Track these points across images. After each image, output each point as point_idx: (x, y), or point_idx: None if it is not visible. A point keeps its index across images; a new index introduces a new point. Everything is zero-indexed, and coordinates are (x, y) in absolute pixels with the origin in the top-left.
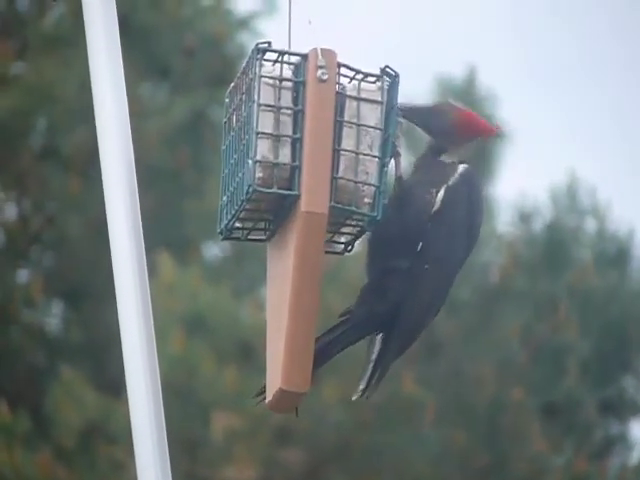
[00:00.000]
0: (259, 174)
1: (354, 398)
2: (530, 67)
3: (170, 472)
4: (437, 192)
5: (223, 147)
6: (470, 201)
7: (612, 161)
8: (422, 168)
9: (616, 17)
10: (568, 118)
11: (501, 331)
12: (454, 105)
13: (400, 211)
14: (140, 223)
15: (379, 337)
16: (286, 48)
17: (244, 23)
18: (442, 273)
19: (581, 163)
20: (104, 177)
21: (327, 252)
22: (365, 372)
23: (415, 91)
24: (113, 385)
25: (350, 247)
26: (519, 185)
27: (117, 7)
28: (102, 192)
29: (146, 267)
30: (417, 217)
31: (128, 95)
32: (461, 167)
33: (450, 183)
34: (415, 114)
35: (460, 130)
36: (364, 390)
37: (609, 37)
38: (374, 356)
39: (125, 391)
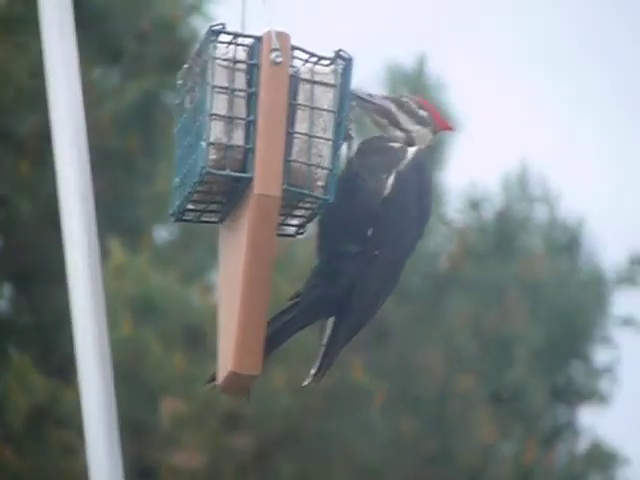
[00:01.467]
0: (212, 156)
1: (305, 383)
2: (481, 54)
3: (120, 457)
4: (387, 177)
5: (176, 129)
6: (420, 186)
7: (564, 149)
8: (370, 152)
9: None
10: (520, 106)
11: (450, 319)
12: (417, 97)
13: (351, 195)
14: (93, 207)
15: (330, 321)
16: (240, 31)
17: (197, 7)
18: (393, 258)
19: (532, 151)
20: (57, 161)
21: (279, 235)
22: (317, 357)
23: (365, 77)
24: (63, 369)
25: (302, 230)
26: (470, 173)
27: None
28: (54, 176)
29: (98, 251)
30: (368, 202)
31: (81, 79)
32: (411, 151)
33: (401, 168)
34: (381, 109)
35: (435, 120)
36: (315, 375)
37: (560, 22)
38: (325, 341)
39: (75, 375)
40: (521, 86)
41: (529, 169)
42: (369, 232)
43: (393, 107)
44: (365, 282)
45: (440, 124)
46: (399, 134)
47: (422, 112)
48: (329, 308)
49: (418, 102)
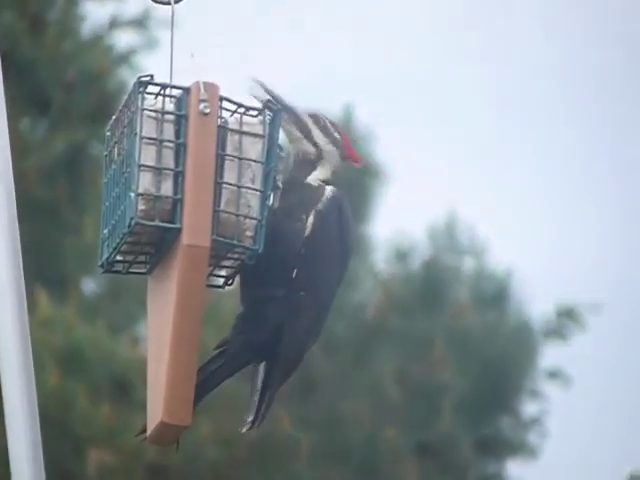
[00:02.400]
0: (141, 207)
1: (244, 430)
2: (408, 105)
3: None
4: (307, 217)
5: (105, 180)
6: (340, 224)
7: (491, 200)
8: (290, 192)
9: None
10: (445, 157)
11: (376, 370)
12: (334, 121)
13: (272, 238)
14: (20, 258)
15: (262, 366)
16: (168, 82)
17: (125, 58)
18: (318, 298)
19: (460, 202)
20: None
21: (207, 286)
22: (252, 403)
23: None
24: None
25: (231, 281)
26: (396, 224)
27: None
28: None
29: (25, 302)
30: (289, 244)
31: (10, 129)
32: (328, 190)
33: (319, 207)
34: (298, 121)
35: (345, 147)
36: (253, 421)
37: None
38: (259, 385)
39: (2, 424)
40: (446, 137)
41: (456, 220)
42: (293, 274)
43: (310, 121)
44: (294, 323)
45: (349, 153)
46: (310, 149)
47: (336, 134)
48: (257, 353)
49: (334, 125)
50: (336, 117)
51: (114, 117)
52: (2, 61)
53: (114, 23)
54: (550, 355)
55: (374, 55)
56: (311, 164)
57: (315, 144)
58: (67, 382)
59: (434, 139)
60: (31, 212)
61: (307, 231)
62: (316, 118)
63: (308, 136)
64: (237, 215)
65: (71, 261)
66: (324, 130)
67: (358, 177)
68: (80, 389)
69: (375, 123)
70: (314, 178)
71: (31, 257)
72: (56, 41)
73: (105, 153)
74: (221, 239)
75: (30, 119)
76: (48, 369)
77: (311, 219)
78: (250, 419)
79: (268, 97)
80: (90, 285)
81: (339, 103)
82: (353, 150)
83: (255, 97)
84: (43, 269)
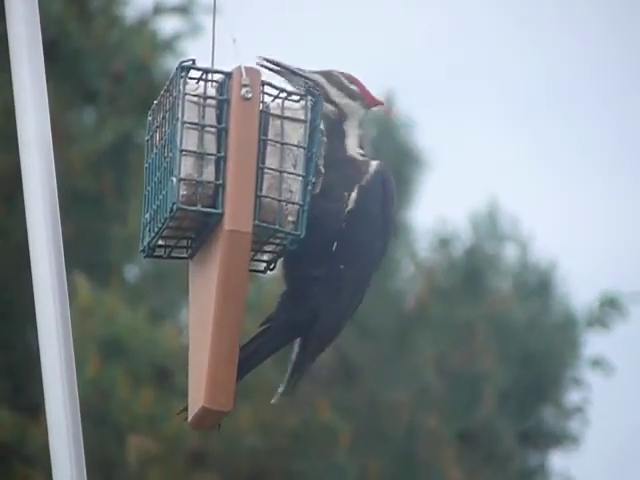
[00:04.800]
0: (183, 192)
1: (273, 401)
2: (451, 91)
3: None
4: (349, 194)
5: (146, 165)
6: (384, 199)
7: (534, 189)
8: (331, 169)
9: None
10: (491, 145)
11: (417, 358)
12: (347, 73)
13: (313, 220)
14: (61, 247)
15: (297, 341)
16: (210, 67)
17: (169, 45)
18: (358, 272)
19: (503, 191)
20: (27, 202)
21: (249, 271)
22: (287, 375)
23: None
24: (31, 406)
25: (273, 265)
26: (439, 211)
27: (46, 32)
28: (25, 216)
29: (67, 291)
30: (330, 222)
31: (57, 120)
32: (374, 165)
33: (363, 183)
34: (309, 82)
35: (365, 96)
36: (284, 393)
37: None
38: (293, 357)
39: (42, 412)
40: (491, 124)
41: (499, 207)
42: (333, 247)
43: (323, 80)
44: (332, 297)
45: (370, 100)
46: (330, 108)
47: (352, 86)
48: (298, 331)
49: (348, 77)
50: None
51: (156, 102)
52: (49, 50)
53: (158, 9)
54: (593, 344)
55: (420, 40)
56: (339, 127)
57: (333, 103)
58: (107, 370)
59: (479, 125)
60: (77, 202)
61: (349, 206)
62: (329, 76)
63: (324, 96)
64: (279, 200)
65: (115, 249)
66: (339, 86)
67: (399, 164)
68: (120, 376)
69: (418, 109)
70: (353, 148)
71: (76, 246)
72: (103, 30)
73: (147, 138)
74: (263, 224)
75: (77, 109)
76: (88, 357)
77: (354, 195)
78: (281, 390)
79: (276, 67)
80: (133, 272)
81: (381, 88)
82: (373, 96)
83: (266, 67)
84: (88, 258)
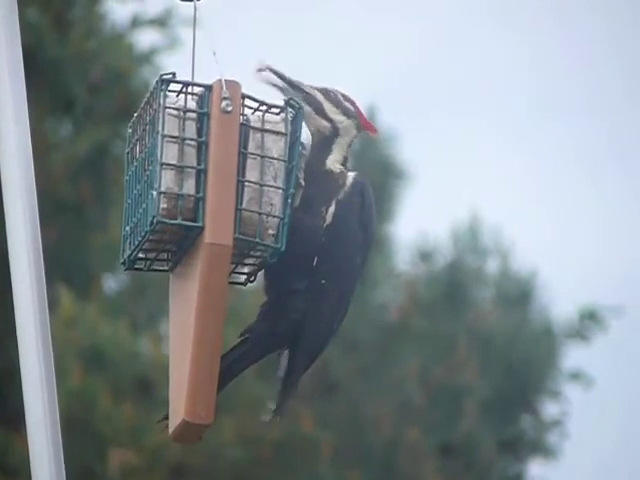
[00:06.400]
0: (163, 205)
1: (267, 419)
2: (431, 104)
3: None
4: (327, 208)
5: (126, 178)
6: (362, 210)
7: (516, 200)
8: (310, 182)
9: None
10: (471, 157)
11: (399, 371)
12: (343, 91)
13: (293, 234)
14: (41, 257)
15: (285, 354)
16: (190, 80)
17: (147, 57)
18: (340, 285)
19: (484, 203)
20: (6, 211)
21: (230, 283)
22: (275, 392)
23: None
24: (13, 418)
25: (253, 278)
26: (420, 225)
27: (23, 40)
28: (4, 226)
29: (47, 301)
30: (310, 236)
31: (34, 129)
32: (350, 177)
33: (341, 196)
34: (308, 96)
35: (359, 117)
36: (276, 410)
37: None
38: (282, 373)
39: (25, 425)
40: (471, 138)
41: (480, 221)
42: (314, 262)
43: (319, 95)
44: (316, 312)
45: (364, 123)
46: (324, 123)
47: (347, 104)
48: (278, 342)
49: (345, 96)
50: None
51: (136, 115)
52: (26, 59)
53: (136, 22)
54: (572, 357)
55: (400, 53)
56: (327, 143)
57: (328, 118)
58: (90, 381)
59: (460, 139)
60: (56, 211)
61: (327, 221)
62: (326, 92)
63: (320, 111)
64: (259, 213)
65: (95, 259)
66: (336, 103)
67: (381, 178)
68: (102, 388)
69: (399, 123)
70: (333, 162)
71: (56, 256)
72: (80, 40)
73: (127, 151)
74: (243, 237)
75: (54, 118)
76: (71, 368)
77: (332, 209)
78: (272, 408)
79: (275, 79)
80: (113, 283)
81: (363, 102)
82: (368, 121)
83: (265, 80)
84: (68, 268)
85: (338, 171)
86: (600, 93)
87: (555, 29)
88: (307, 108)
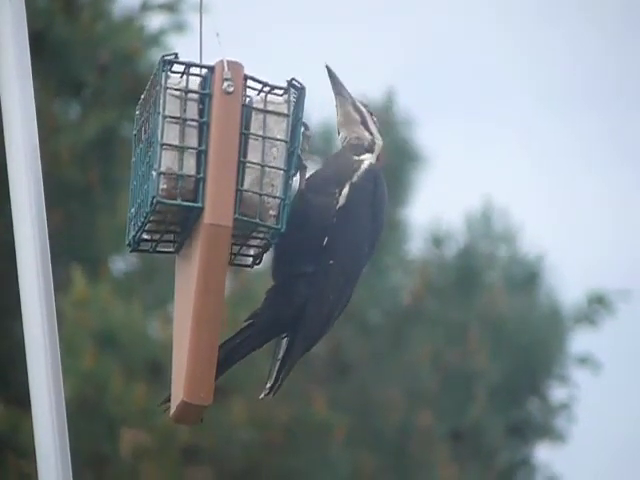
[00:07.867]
0: (163, 185)
1: (262, 397)
2: (447, 92)
3: None
4: (341, 190)
5: (133, 159)
6: (375, 196)
7: (525, 186)
8: (328, 166)
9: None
10: (484, 144)
11: (411, 355)
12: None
13: (303, 215)
14: (47, 239)
15: (284, 338)
16: (193, 60)
17: (155, 39)
18: (347, 268)
19: (498, 191)
20: (12, 193)
21: (237, 265)
22: (271, 371)
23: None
24: (22, 398)
25: (259, 260)
26: (433, 210)
27: (32, 23)
28: (10, 209)
29: (52, 283)
30: (320, 220)
31: (42, 111)
32: (365, 163)
33: (354, 180)
34: (356, 106)
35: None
36: (271, 388)
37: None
38: (280, 355)
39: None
40: (485, 126)
41: (492, 207)
42: (324, 242)
43: (364, 110)
44: (320, 293)
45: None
46: (367, 135)
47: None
48: (284, 327)
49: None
50: (377, 101)
51: (142, 97)
52: (35, 42)
53: (145, 6)
54: (580, 341)
55: (419, 42)
56: (361, 151)
57: (370, 132)
58: (102, 362)
59: (475, 127)
60: (64, 193)
61: (340, 203)
62: (368, 109)
63: (365, 123)
64: (260, 194)
65: (104, 241)
66: (375, 122)
67: (397, 161)
68: (114, 370)
69: (415, 108)
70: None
71: (65, 238)
72: (90, 22)
73: (134, 132)
74: (244, 218)
75: (63, 100)
76: (83, 350)
77: (345, 191)
78: (268, 385)
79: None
80: (122, 265)
81: (381, 87)
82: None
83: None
84: (77, 250)
85: (356, 158)
86: (608, 83)
87: (557, 24)
88: (355, 116)
